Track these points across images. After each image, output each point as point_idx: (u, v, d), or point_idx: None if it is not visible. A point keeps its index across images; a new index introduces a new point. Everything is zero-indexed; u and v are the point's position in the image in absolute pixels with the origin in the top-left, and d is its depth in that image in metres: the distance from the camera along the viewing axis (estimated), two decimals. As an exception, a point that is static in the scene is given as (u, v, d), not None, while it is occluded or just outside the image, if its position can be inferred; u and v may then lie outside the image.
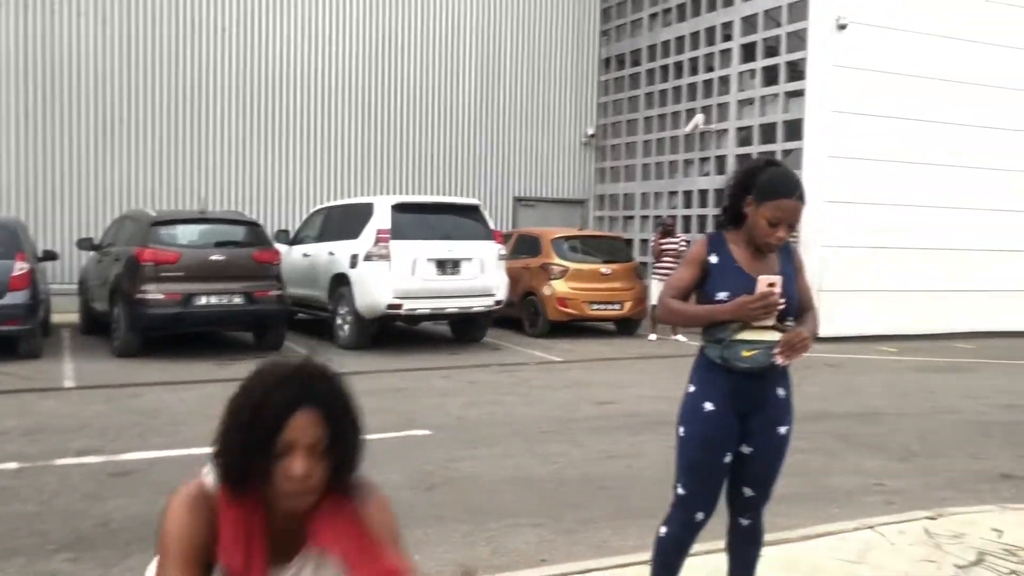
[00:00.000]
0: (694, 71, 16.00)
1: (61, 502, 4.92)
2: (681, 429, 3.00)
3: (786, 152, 13.85)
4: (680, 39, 16.32)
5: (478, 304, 11.38)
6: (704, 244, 2.98)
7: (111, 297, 10.38)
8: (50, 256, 11.68)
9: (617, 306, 13.17)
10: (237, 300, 10.23)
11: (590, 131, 18.44)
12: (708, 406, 2.92)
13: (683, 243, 13.14)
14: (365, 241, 10.97)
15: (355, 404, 1.84)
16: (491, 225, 11.94)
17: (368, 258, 10.86)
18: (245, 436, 1.71)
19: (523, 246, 13.69)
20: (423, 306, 11.04)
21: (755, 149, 14.23)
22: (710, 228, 3.12)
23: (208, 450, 1.79)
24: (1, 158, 14.22)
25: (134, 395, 8.09)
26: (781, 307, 2.79)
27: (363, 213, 11.38)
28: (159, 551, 1.76)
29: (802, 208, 2.86)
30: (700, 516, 3.01)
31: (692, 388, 3.00)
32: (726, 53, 15.28)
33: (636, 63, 17.58)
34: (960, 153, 14.30)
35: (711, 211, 14.78)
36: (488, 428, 7.04)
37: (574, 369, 10.44)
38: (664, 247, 13.12)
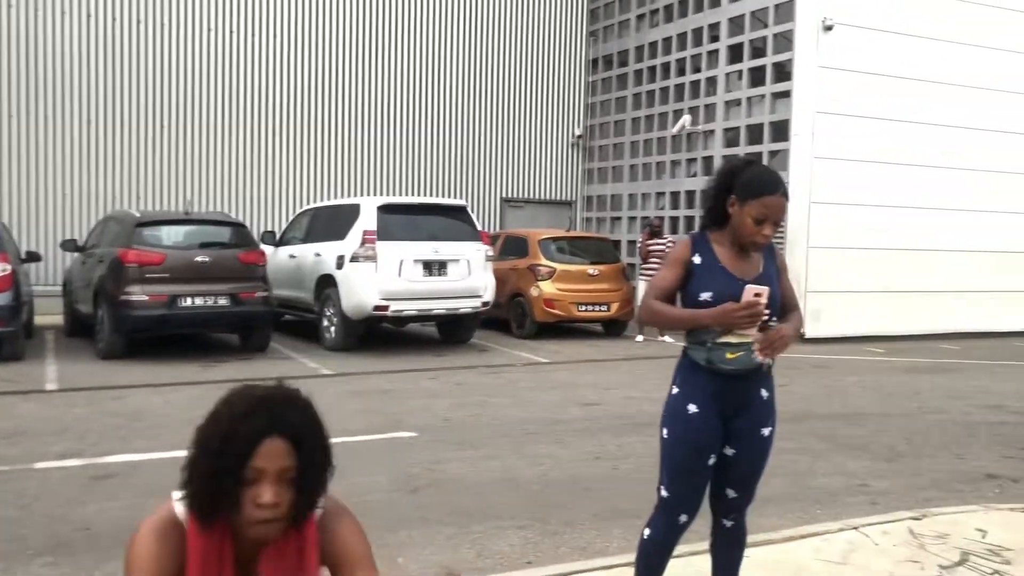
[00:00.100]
0: (681, 72, 16.03)
1: (41, 506, 4.87)
2: (665, 431, 2.99)
3: (772, 153, 13.90)
4: (667, 40, 16.35)
5: (465, 305, 11.35)
6: (687, 244, 2.97)
7: (95, 299, 10.30)
8: (33, 257, 11.59)
9: (604, 307, 13.17)
10: (222, 302, 10.17)
11: (578, 132, 18.45)
12: (692, 408, 2.91)
13: (670, 244, 13.14)
14: (351, 242, 10.93)
15: (325, 432, 1.83)
16: (478, 226, 11.92)
17: (354, 259, 10.82)
18: (214, 464, 1.70)
19: (510, 247, 13.68)
20: (410, 307, 11.00)
21: (742, 150, 14.26)
22: (697, 229, 3.10)
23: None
24: (-16, 159, 14.13)
25: (117, 397, 8.03)
26: (765, 317, 2.78)
27: (349, 214, 11.34)
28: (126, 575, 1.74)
29: (786, 204, 2.85)
30: (683, 518, 3.00)
31: (676, 390, 2.98)
32: (713, 54, 15.32)
33: (624, 64, 17.60)
34: (946, 154, 14.37)
35: (698, 212, 14.78)
36: (474, 430, 7.02)
37: (561, 370, 10.42)
38: (651, 248, 13.12)
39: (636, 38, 17.20)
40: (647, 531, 3.08)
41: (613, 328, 13.70)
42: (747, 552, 3.29)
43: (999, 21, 14.69)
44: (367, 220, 10.97)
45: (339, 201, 13.49)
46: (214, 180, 15.49)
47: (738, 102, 14.77)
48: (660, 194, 16.46)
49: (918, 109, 14.09)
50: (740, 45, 14.70)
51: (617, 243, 16.33)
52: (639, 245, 13.72)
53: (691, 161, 15.71)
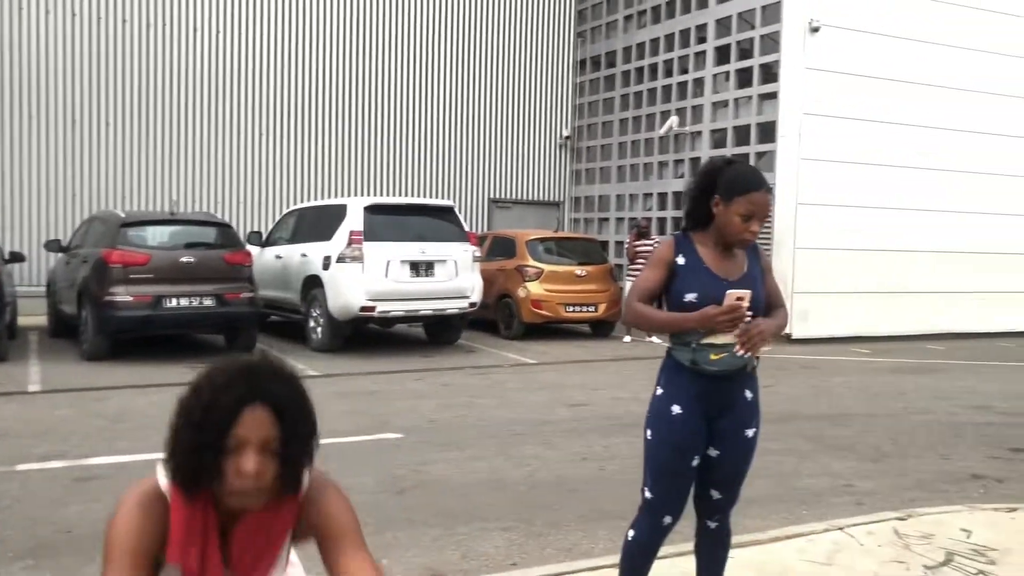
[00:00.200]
0: (669, 73, 16.05)
1: (22, 508, 4.83)
2: (649, 432, 2.98)
3: (759, 154, 13.93)
4: (655, 41, 16.37)
5: (452, 306, 11.33)
6: (671, 245, 2.96)
7: (79, 299, 10.23)
8: (17, 258, 11.51)
9: (592, 308, 13.17)
10: (208, 302, 10.12)
11: (566, 133, 18.45)
12: (676, 409, 2.90)
13: (657, 244, 13.14)
14: (338, 243, 10.89)
15: (309, 403, 1.81)
16: (465, 227, 11.90)
17: (341, 260, 10.78)
18: (195, 434, 1.68)
19: (498, 248, 13.67)
20: (397, 308, 10.98)
21: (729, 151, 14.27)
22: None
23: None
24: (-33, 158, 14.02)
25: (101, 399, 7.97)
26: (748, 320, 2.78)
27: (336, 215, 11.30)
28: (105, 550, 1.72)
29: (770, 201, 2.86)
30: (668, 520, 2.99)
31: (660, 391, 2.98)
32: (700, 55, 15.35)
33: (612, 65, 17.62)
34: (932, 155, 14.44)
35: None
36: (461, 431, 7.00)
37: (548, 371, 10.42)
38: (639, 249, 13.13)
39: (624, 39, 17.22)
40: (631, 532, 3.07)
41: (601, 329, 13.71)
42: (732, 553, 3.29)
43: (985, 23, 14.76)
44: (354, 220, 10.93)
45: (326, 201, 13.45)
46: (200, 180, 15.41)
47: (725, 103, 14.80)
48: (648, 195, 16.48)
49: (904, 111, 14.15)
50: (727, 46, 14.73)
51: (605, 244, 16.33)
52: (627, 246, 13.74)
53: (679, 162, 15.73)
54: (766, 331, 2.80)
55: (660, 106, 16.16)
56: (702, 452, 2.95)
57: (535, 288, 12.84)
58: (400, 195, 16.48)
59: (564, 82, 18.51)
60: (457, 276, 11.30)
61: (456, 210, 12.13)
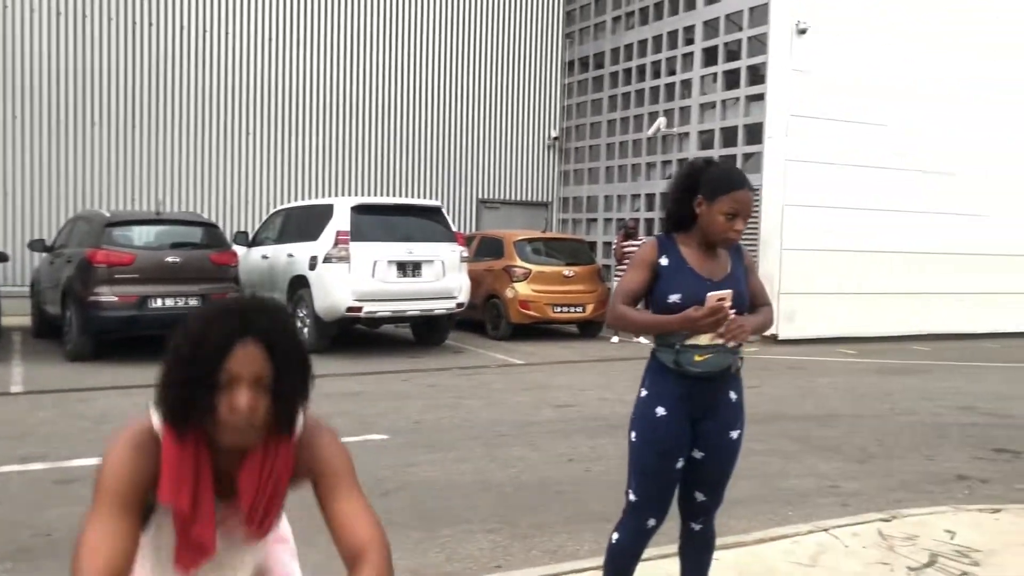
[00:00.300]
0: (656, 75, 16.08)
1: (1, 511, 4.77)
2: (633, 434, 2.97)
3: (747, 155, 13.97)
4: (643, 42, 16.39)
5: (439, 307, 11.31)
6: (653, 246, 2.95)
7: (63, 299, 10.15)
8: (1, 258, 11.41)
9: (579, 309, 13.17)
10: (194, 303, 10.03)
11: (554, 134, 18.45)
12: (660, 411, 2.89)
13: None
14: (324, 243, 10.84)
15: (300, 338, 1.81)
16: (453, 227, 11.87)
17: (327, 260, 10.74)
18: (186, 370, 1.67)
19: (486, 248, 13.65)
20: (383, 308, 10.94)
21: (716, 152, 14.31)
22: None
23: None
24: (-50, 157, 13.90)
25: (85, 400, 7.91)
26: (731, 320, 2.77)
27: (323, 214, 11.26)
28: (96, 488, 1.70)
29: (753, 199, 2.86)
30: (652, 522, 2.98)
31: (644, 392, 2.96)
32: (688, 57, 15.37)
33: (600, 66, 17.63)
34: (918, 157, 14.50)
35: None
36: (446, 432, 6.97)
37: (535, 372, 10.40)
38: (626, 249, 13.14)
39: (612, 40, 17.23)
40: (615, 535, 3.05)
41: (588, 329, 13.70)
42: (717, 555, 3.28)
43: (970, 26, 14.84)
44: (341, 220, 10.89)
45: (312, 201, 13.40)
46: (186, 180, 15.32)
47: (713, 105, 14.83)
48: (635, 196, 16.49)
49: (890, 112, 14.21)
50: (715, 48, 14.76)
51: (592, 244, 16.33)
52: (614, 247, 13.74)
53: (666, 163, 15.75)
54: (747, 324, 2.80)
55: (648, 107, 16.18)
56: (686, 454, 2.94)
57: (523, 289, 12.82)
58: (387, 195, 16.43)
59: (552, 83, 18.51)
60: (444, 276, 11.27)
61: (444, 210, 12.11)
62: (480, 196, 17.93)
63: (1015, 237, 15.57)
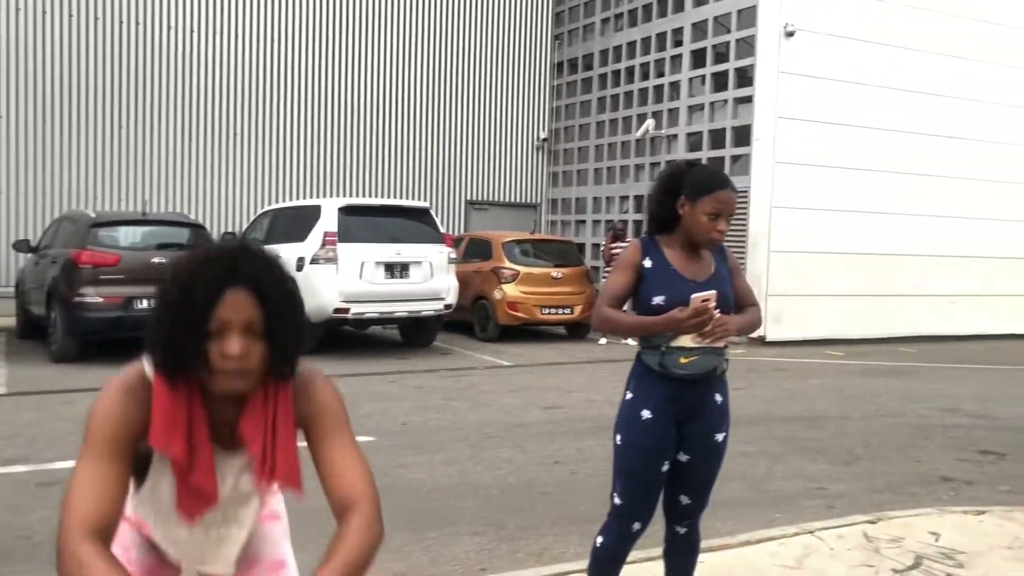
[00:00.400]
0: (645, 76, 16.10)
1: (-17, 514, 4.73)
2: (618, 437, 2.96)
3: (735, 158, 14.00)
4: (632, 44, 16.41)
5: (427, 308, 11.29)
6: (637, 248, 2.94)
7: (48, 300, 10.08)
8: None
9: (568, 310, 13.16)
10: (180, 304, 9.98)
11: (543, 135, 18.45)
12: (645, 414, 2.88)
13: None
14: (312, 244, 10.81)
15: (293, 285, 1.78)
16: (440, 228, 11.85)
17: (315, 261, 10.70)
18: (176, 316, 1.65)
19: (474, 250, 13.63)
20: (371, 310, 10.91)
21: (704, 154, 14.34)
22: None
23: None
24: (-66, 156, 13.79)
25: (69, 402, 7.84)
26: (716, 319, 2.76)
27: (310, 215, 11.23)
28: (86, 433, 1.68)
29: (735, 199, 2.86)
30: (637, 526, 2.97)
31: (629, 395, 2.95)
32: (676, 59, 15.39)
33: (588, 68, 17.64)
34: (904, 159, 14.57)
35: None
36: (433, 434, 6.95)
37: (523, 373, 10.39)
38: (615, 251, 13.15)
39: (601, 42, 17.25)
40: (599, 539, 3.04)
41: (576, 331, 13.70)
42: (702, 557, 3.27)
43: (955, 30, 14.92)
44: (328, 221, 10.86)
45: (300, 202, 13.37)
46: (172, 180, 15.24)
47: (701, 107, 14.86)
48: (624, 198, 16.51)
49: (878, 115, 14.27)
50: (703, 50, 14.79)
51: (581, 246, 16.34)
52: (603, 248, 13.75)
53: (655, 165, 15.75)
54: (731, 323, 2.79)
55: (636, 109, 16.20)
56: (672, 457, 2.93)
57: (511, 290, 12.81)
58: (375, 196, 16.40)
59: (541, 84, 18.51)
60: (432, 278, 11.25)
61: (432, 211, 12.09)
62: (468, 197, 17.91)
63: (1002, 239, 15.67)
